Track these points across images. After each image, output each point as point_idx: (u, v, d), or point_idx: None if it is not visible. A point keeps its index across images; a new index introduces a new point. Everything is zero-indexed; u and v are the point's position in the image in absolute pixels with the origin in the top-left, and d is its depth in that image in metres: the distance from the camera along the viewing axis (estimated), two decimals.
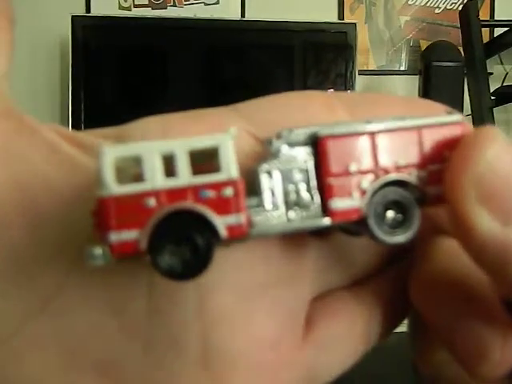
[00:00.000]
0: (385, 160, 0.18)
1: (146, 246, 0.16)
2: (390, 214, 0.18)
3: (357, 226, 0.19)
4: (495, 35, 1.59)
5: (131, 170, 0.17)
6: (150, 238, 0.16)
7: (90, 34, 1.36)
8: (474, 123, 1.42)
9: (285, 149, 0.17)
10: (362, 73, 1.57)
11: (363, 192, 0.18)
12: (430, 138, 0.19)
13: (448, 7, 1.67)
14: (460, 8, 1.46)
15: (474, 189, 0.17)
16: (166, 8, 1.57)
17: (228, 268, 0.19)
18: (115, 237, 0.15)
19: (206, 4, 1.58)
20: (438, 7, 1.68)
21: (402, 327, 0.26)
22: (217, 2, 1.58)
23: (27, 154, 0.18)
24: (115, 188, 0.16)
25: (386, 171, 0.18)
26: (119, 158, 0.16)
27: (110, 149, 0.15)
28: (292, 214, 0.18)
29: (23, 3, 1.43)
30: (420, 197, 0.19)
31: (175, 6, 1.57)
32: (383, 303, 0.24)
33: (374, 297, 0.24)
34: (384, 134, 0.18)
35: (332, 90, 1.46)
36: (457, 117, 0.19)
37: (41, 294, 0.17)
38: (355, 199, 0.18)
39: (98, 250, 0.15)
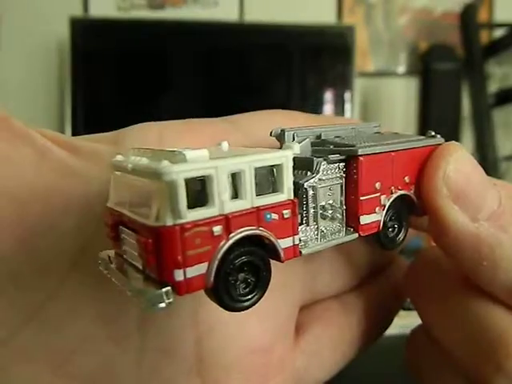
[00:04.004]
0: (398, 178, 0.20)
1: (212, 282, 0.14)
2: (390, 223, 0.20)
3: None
4: (494, 37, 1.59)
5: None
6: (217, 271, 0.14)
7: (89, 36, 1.36)
8: (473, 124, 1.42)
9: (324, 165, 0.18)
10: (361, 75, 1.57)
11: (383, 207, 0.20)
12: (423, 158, 0.20)
13: (447, 9, 1.67)
14: (459, 10, 1.46)
15: (445, 187, 0.19)
16: (163, 8, 1.57)
17: None
18: (181, 275, 0.13)
19: (204, 6, 1.58)
20: (437, 9, 1.68)
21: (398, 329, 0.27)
22: (216, 4, 1.58)
23: (16, 160, 0.17)
24: (189, 215, 0.13)
25: (397, 188, 0.20)
26: (189, 179, 0.13)
27: (180, 169, 0.13)
28: (325, 228, 0.18)
29: (20, 5, 1.43)
30: (413, 208, 0.21)
31: (174, 8, 1.58)
32: (369, 312, 0.25)
33: (361, 306, 0.25)
34: (400, 154, 0.20)
35: (331, 92, 1.46)
36: (441, 139, 0.21)
37: (31, 304, 0.17)
38: (378, 214, 0.19)
39: (161, 295, 0.13)
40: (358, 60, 1.50)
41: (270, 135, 0.19)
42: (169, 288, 0.13)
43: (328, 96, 1.46)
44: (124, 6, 1.54)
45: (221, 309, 0.19)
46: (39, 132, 0.19)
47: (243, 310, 0.15)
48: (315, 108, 1.46)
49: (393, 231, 0.20)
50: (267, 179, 0.15)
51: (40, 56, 1.47)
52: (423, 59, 1.53)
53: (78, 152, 0.18)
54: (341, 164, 0.18)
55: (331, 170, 0.18)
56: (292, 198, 0.16)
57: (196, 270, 0.13)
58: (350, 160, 0.18)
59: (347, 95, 1.45)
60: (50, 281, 0.17)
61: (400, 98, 1.66)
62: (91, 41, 1.36)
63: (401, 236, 0.21)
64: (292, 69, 1.44)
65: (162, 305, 0.13)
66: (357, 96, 1.47)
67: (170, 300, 0.13)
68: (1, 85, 1.40)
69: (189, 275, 0.13)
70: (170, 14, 1.55)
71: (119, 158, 0.15)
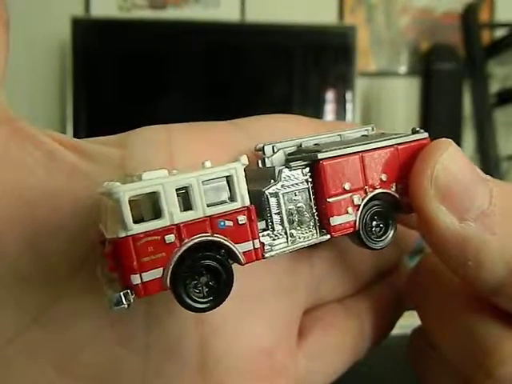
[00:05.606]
0: (371, 177, 0.20)
1: (169, 284, 0.15)
2: (375, 223, 0.20)
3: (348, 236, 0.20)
4: (496, 37, 1.59)
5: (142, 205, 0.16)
6: (172, 275, 0.15)
7: (90, 36, 1.36)
8: (474, 125, 1.42)
9: (286, 172, 0.19)
10: (363, 75, 1.57)
11: (356, 207, 0.20)
12: (405, 154, 0.20)
13: (448, 9, 1.67)
14: (460, 10, 1.46)
15: (433, 187, 0.19)
16: (165, 7, 1.57)
17: None
18: (138, 279, 0.15)
19: (206, 6, 1.58)
20: (438, 9, 1.68)
21: (400, 329, 0.27)
22: (217, 4, 1.58)
23: (25, 162, 0.17)
24: (135, 227, 0.15)
25: (373, 187, 0.20)
26: (135, 196, 0.15)
27: (126, 188, 0.15)
28: (295, 232, 0.19)
29: (21, 5, 1.43)
30: (398, 206, 0.21)
31: (175, 8, 1.58)
32: (372, 316, 0.25)
33: (364, 310, 0.25)
34: (370, 153, 0.20)
35: (332, 92, 1.46)
36: (425, 134, 0.21)
37: (37, 304, 0.17)
38: (351, 214, 0.20)
39: (119, 297, 0.15)
40: (360, 60, 1.50)
41: (255, 150, 0.20)
42: (127, 291, 0.15)
43: (329, 96, 1.46)
44: (125, 6, 1.55)
45: (226, 309, 0.19)
46: (47, 134, 0.19)
47: (207, 311, 0.16)
48: (316, 108, 1.46)
49: (380, 230, 0.20)
50: (224, 190, 0.17)
51: (41, 56, 1.47)
52: (424, 59, 1.53)
53: (86, 155, 0.18)
54: (305, 169, 0.19)
55: (294, 176, 0.19)
56: (247, 204, 0.17)
57: (152, 275, 0.15)
58: (314, 165, 0.19)
59: (348, 95, 1.45)
60: (56, 281, 0.17)
61: (401, 98, 1.66)
62: (93, 41, 1.36)
63: (388, 234, 0.21)
64: (293, 69, 1.44)
65: (124, 306, 0.15)
66: (358, 96, 1.48)
67: (130, 301, 0.15)
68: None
69: (145, 279, 0.15)
70: (171, 13, 1.56)
71: (105, 184, 0.17)
